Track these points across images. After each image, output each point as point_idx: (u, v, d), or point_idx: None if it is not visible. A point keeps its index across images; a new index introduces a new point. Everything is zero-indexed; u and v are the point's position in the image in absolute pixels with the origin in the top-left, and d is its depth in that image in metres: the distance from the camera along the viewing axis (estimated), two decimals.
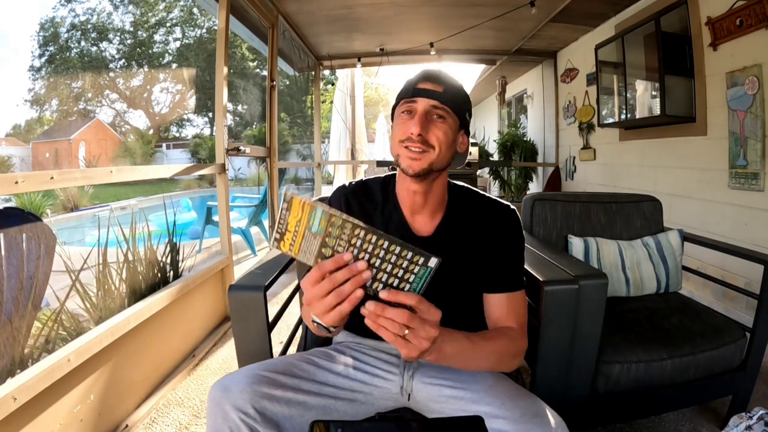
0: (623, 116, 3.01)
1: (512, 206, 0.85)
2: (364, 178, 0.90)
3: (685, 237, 1.55)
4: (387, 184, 0.87)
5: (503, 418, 0.66)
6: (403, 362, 0.83)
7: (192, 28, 19.59)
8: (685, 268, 1.56)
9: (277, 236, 0.53)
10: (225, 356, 1.87)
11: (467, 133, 0.81)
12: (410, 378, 0.80)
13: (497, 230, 0.82)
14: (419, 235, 0.82)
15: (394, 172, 0.86)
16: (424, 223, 0.83)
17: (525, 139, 5.16)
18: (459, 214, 0.83)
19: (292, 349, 1.30)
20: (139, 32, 19.28)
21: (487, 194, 0.87)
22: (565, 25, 3.50)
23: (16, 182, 1.05)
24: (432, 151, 0.74)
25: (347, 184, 0.89)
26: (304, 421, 0.70)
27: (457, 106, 0.76)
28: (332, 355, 0.84)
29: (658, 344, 1.17)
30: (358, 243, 0.52)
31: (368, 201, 0.85)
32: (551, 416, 0.66)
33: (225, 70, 2.18)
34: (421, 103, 0.75)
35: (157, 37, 19.57)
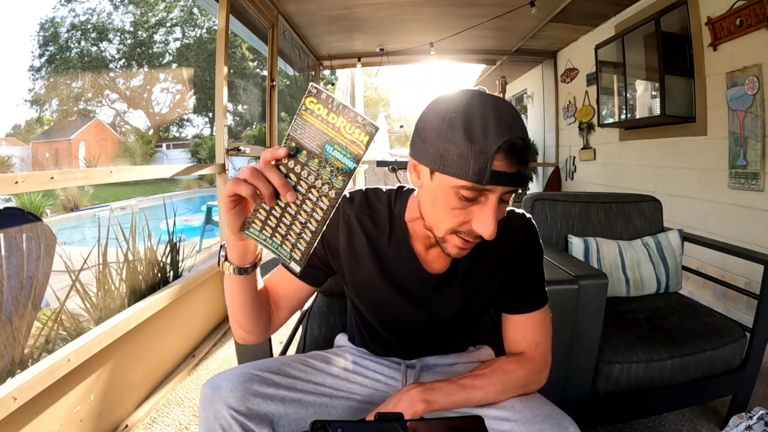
0: (623, 116, 3.01)
1: (527, 215, 0.77)
2: (364, 189, 0.77)
3: (685, 237, 1.55)
4: (393, 204, 0.73)
5: (515, 421, 0.65)
6: (405, 367, 0.82)
7: (192, 28, 19.60)
8: (685, 268, 1.56)
9: None
10: (225, 356, 1.87)
11: None
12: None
13: (513, 246, 0.74)
14: (433, 273, 0.73)
15: (402, 186, 0.75)
16: (437, 256, 0.72)
17: None
18: None
19: (292, 349, 1.30)
20: (139, 32, 19.29)
21: None
22: (565, 25, 3.50)
23: (16, 182, 1.05)
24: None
25: (345, 195, 0.75)
26: (301, 417, 0.69)
27: None
28: (329, 358, 0.82)
29: (658, 344, 1.17)
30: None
31: (372, 223, 0.72)
32: (563, 417, 0.65)
33: (225, 70, 2.18)
34: (495, 192, 0.55)
35: (157, 37, 19.58)
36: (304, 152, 0.48)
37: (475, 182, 0.53)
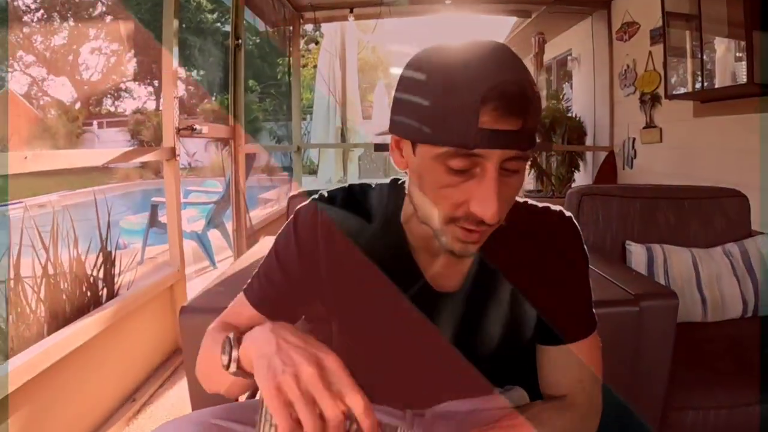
0: (698, 85, 3.01)
1: (567, 213, 0.75)
2: (347, 185, 0.77)
3: None
4: (387, 204, 0.73)
5: None
6: (411, 416, 0.82)
7: None
8: None
9: None
10: (175, 400, 1.87)
11: None
12: None
13: (549, 256, 0.72)
14: (441, 291, 0.72)
15: (396, 179, 0.75)
16: (446, 268, 0.71)
17: (569, 115, 5.17)
18: (499, 247, 0.68)
19: None
20: None
21: (532, 202, 0.76)
22: None
23: None
24: (496, 223, 0.58)
25: (324, 196, 0.75)
26: None
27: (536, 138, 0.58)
28: None
29: (744, 384, 1.18)
30: None
31: (360, 230, 0.72)
32: None
33: (175, 24, 2.19)
34: (492, 159, 0.53)
35: None
36: None
37: (459, 147, 0.51)
